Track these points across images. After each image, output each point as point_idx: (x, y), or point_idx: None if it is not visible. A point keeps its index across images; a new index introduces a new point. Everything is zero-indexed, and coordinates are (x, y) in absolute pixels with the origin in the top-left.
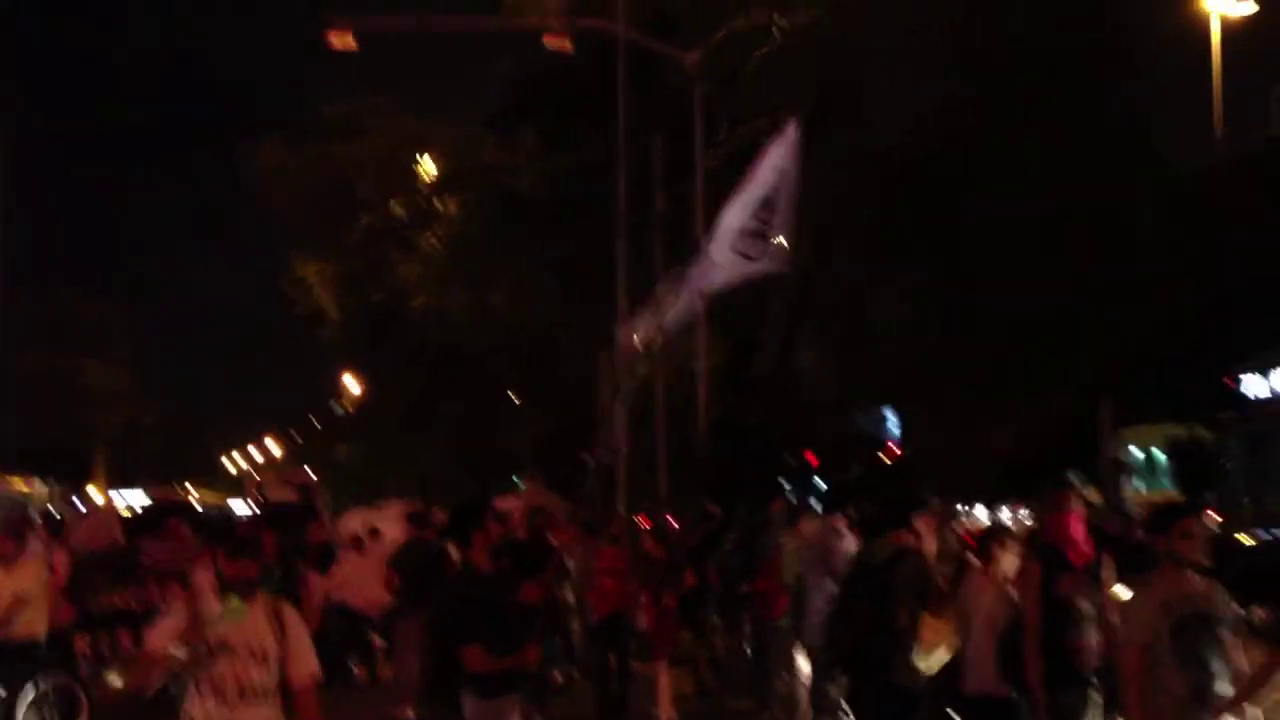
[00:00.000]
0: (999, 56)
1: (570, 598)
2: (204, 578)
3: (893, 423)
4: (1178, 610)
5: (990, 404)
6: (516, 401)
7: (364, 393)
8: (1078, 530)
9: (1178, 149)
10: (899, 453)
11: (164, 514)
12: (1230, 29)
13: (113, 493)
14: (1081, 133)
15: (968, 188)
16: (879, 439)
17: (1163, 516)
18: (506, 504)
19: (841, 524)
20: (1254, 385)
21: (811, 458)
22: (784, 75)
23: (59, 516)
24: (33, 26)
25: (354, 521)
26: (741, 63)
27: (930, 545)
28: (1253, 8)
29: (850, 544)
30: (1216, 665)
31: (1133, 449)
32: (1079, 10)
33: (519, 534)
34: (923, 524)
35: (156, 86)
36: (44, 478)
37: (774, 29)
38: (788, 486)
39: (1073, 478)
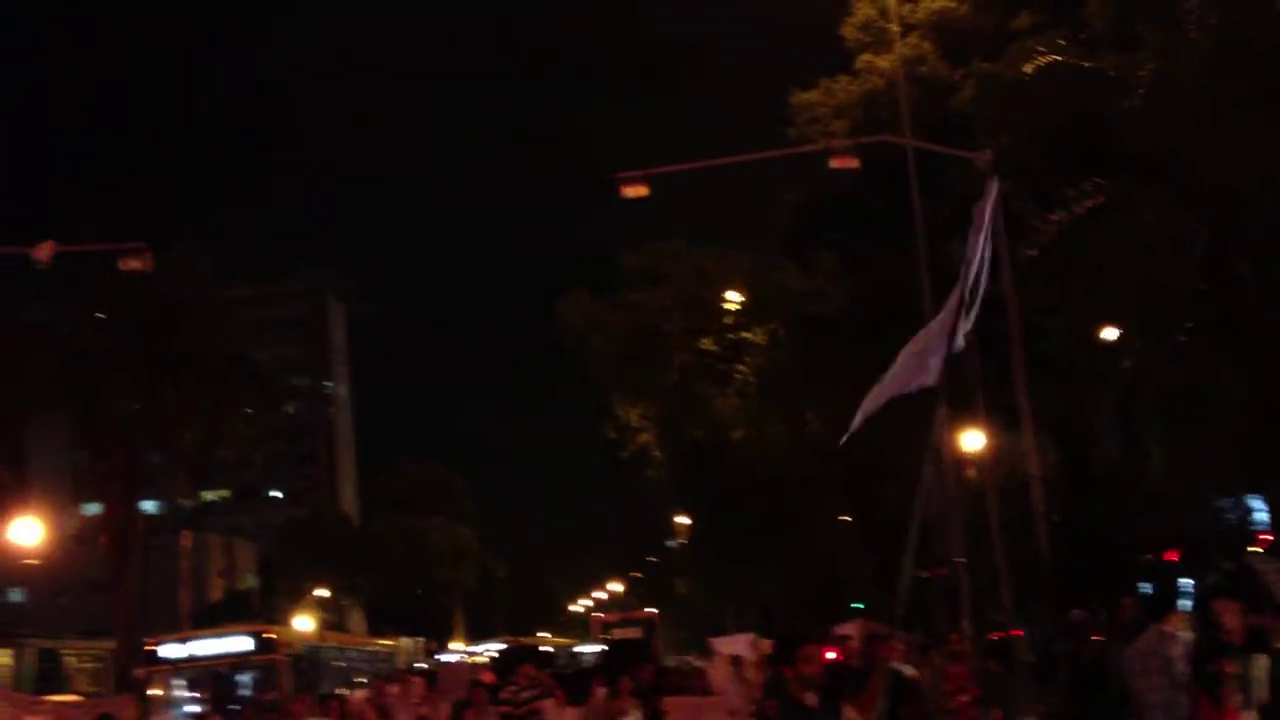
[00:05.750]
0: None
1: None
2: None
3: (1261, 510)
4: None
5: None
6: (845, 524)
7: (692, 527)
8: None
9: None
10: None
11: (517, 660)
12: None
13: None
14: None
15: None
16: (1247, 530)
17: None
18: (845, 630)
19: (1174, 627)
20: None
21: (1173, 556)
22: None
23: (429, 669)
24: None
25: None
26: (1033, 149)
27: None
28: None
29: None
30: None
31: None
32: None
33: (854, 662)
34: None
35: (474, 262)
36: (411, 634)
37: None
38: (1146, 589)
39: None
